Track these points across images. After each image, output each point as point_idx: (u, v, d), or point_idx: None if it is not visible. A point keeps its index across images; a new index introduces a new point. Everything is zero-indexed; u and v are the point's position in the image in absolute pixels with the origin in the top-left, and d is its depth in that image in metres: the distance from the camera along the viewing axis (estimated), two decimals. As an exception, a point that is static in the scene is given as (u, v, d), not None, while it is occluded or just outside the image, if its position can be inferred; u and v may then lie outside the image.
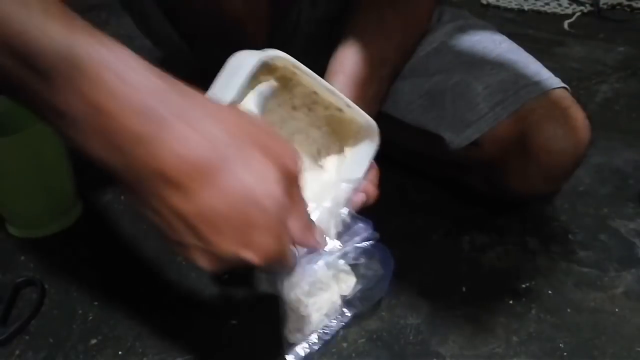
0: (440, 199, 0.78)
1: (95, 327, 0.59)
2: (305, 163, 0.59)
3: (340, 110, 0.57)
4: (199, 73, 0.78)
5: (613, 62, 1.22)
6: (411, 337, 0.58)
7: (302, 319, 0.52)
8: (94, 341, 0.58)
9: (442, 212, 0.76)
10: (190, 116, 0.35)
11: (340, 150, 0.61)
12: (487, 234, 0.72)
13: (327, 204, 0.54)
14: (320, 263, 0.50)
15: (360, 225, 0.54)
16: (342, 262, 0.53)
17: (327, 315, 0.54)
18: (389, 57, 0.67)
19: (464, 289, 0.64)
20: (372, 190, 0.59)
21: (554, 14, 1.50)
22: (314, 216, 0.52)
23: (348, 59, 0.65)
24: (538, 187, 0.69)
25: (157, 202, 0.35)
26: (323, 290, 0.53)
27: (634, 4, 1.51)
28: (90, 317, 0.61)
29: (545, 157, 0.65)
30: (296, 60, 0.51)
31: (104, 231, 0.73)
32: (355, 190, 0.57)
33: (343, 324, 0.56)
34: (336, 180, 0.58)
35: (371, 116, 0.59)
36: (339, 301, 0.55)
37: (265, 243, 0.37)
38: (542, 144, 0.65)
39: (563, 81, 0.69)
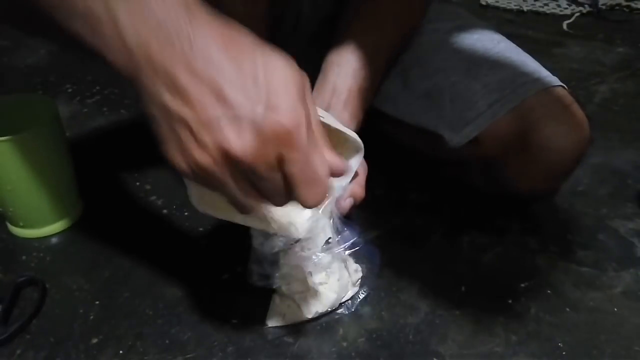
0: (439, 199, 0.79)
1: (96, 327, 0.60)
2: None
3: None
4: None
5: (612, 62, 1.23)
6: (411, 337, 0.58)
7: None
8: (95, 340, 0.58)
9: (442, 212, 0.76)
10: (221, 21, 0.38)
11: None
12: (486, 234, 0.72)
13: (316, 211, 0.55)
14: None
15: (348, 231, 0.57)
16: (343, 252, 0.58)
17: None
18: (382, 49, 0.69)
19: (463, 288, 0.65)
20: (359, 192, 0.61)
21: (553, 14, 1.50)
22: (304, 225, 0.53)
23: (343, 51, 0.67)
24: (538, 186, 0.69)
25: (187, 77, 0.36)
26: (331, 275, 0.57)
27: (632, 5, 1.51)
28: (91, 317, 0.61)
29: (546, 155, 0.65)
30: None
31: (105, 231, 0.73)
32: (342, 195, 0.58)
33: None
34: None
35: (365, 106, 0.61)
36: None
37: (293, 107, 0.37)
38: (542, 142, 0.65)
39: (562, 81, 0.69)
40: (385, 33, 0.69)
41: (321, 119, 0.54)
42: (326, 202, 0.55)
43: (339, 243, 0.57)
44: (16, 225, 0.72)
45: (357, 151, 0.58)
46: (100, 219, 0.75)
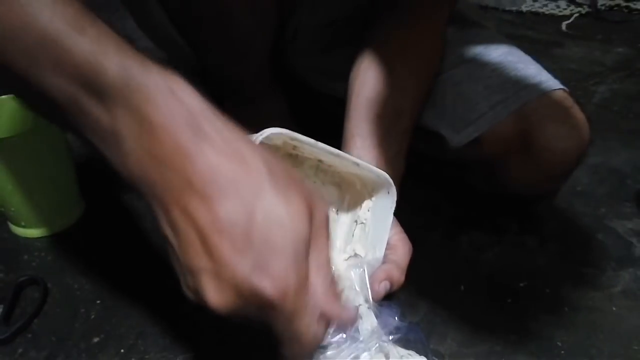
0: (439, 198, 0.79)
1: (97, 326, 0.60)
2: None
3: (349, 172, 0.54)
4: (201, 74, 0.79)
5: (611, 62, 1.23)
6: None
7: None
8: (96, 339, 0.58)
9: (441, 211, 0.77)
10: (232, 138, 0.35)
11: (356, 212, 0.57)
12: (485, 234, 0.73)
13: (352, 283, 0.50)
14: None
15: (387, 313, 0.50)
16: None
17: None
18: (405, 110, 0.64)
19: (462, 287, 0.65)
20: (397, 276, 0.53)
21: (552, 15, 1.51)
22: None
23: (362, 121, 0.62)
24: (538, 186, 0.70)
25: (178, 213, 0.34)
26: None
27: (631, 5, 1.52)
28: (93, 316, 0.61)
29: (547, 156, 0.66)
30: (293, 132, 0.46)
31: (106, 230, 0.73)
32: (377, 268, 0.52)
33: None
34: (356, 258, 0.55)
35: (397, 175, 0.55)
36: None
37: (284, 272, 0.33)
38: (544, 143, 0.65)
39: (561, 82, 0.69)
40: (407, 94, 0.64)
41: (356, 165, 0.51)
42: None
43: (376, 332, 0.49)
44: (18, 225, 0.73)
45: (385, 192, 0.54)
46: (101, 219, 0.75)
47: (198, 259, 0.34)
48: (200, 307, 0.35)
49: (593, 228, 0.74)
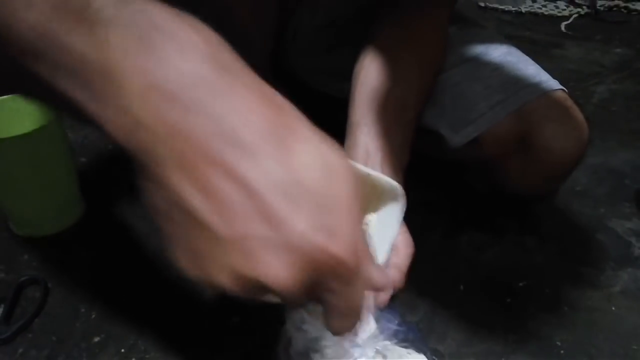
0: (438, 198, 0.79)
1: (97, 325, 0.60)
2: None
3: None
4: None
5: (610, 63, 1.23)
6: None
7: None
8: (96, 339, 0.58)
9: (441, 211, 0.77)
10: (255, 77, 0.29)
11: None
12: (485, 233, 0.73)
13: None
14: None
15: (386, 318, 0.50)
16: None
17: None
18: (410, 101, 0.64)
19: (461, 287, 0.65)
20: (399, 279, 0.53)
21: (551, 15, 1.51)
22: None
23: (368, 110, 0.61)
24: (538, 186, 0.70)
25: (212, 170, 0.26)
26: None
27: (630, 6, 1.52)
28: (93, 316, 0.61)
29: (547, 156, 0.66)
30: None
31: (107, 230, 0.73)
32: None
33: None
34: None
35: (402, 166, 0.55)
36: None
37: (352, 230, 0.28)
38: (543, 143, 0.65)
39: (560, 82, 0.69)
40: (411, 84, 0.64)
41: (363, 170, 0.49)
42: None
43: (377, 335, 0.49)
44: (18, 225, 0.73)
45: (394, 199, 0.52)
46: (101, 218, 0.75)
47: (251, 226, 0.26)
48: (227, 295, 0.29)
49: (592, 228, 0.74)
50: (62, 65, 0.28)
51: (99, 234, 0.73)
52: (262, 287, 0.28)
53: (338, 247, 0.27)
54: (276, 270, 0.27)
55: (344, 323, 0.32)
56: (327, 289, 0.30)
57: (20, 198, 0.69)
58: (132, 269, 0.67)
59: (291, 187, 0.27)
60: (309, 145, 0.28)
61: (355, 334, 0.47)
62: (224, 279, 0.28)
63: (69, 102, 0.28)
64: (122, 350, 0.57)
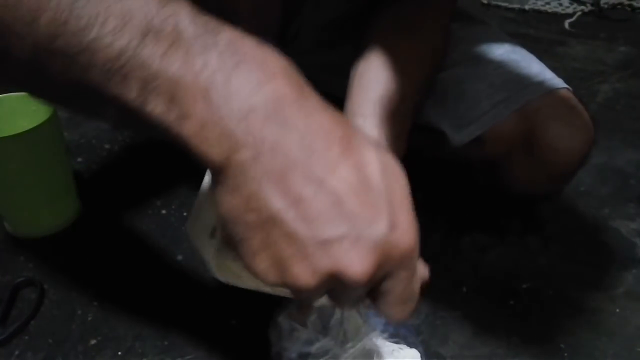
0: (440, 198, 0.78)
1: (94, 328, 0.59)
2: None
3: None
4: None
5: (614, 61, 1.22)
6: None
7: None
8: (93, 341, 0.58)
9: (443, 211, 0.76)
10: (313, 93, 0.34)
11: None
12: (488, 234, 0.72)
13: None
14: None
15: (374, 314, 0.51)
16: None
17: None
18: (408, 93, 0.63)
19: (464, 289, 0.64)
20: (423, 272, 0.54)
21: (555, 13, 1.50)
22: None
23: (366, 100, 0.61)
24: (542, 186, 0.69)
25: (299, 179, 0.30)
26: None
27: (634, 4, 1.51)
28: (90, 318, 0.61)
29: (551, 155, 0.65)
30: None
31: (103, 232, 0.73)
32: None
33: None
34: None
35: (399, 154, 0.55)
36: None
37: (412, 224, 0.32)
38: (548, 143, 0.65)
39: (564, 81, 0.69)
40: (410, 78, 0.63)
41: None
42: None
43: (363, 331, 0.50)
44: (14, 226, 0.72)
45: None
46: (98, 220, 0.75)
47: (336, 228, 0.30)
48: (301, 295, 0.32)
49: (596, 228, 0.74)
50: (152, 88, 0.30)
51: (96, 234, 0.72)
52: (340, 282, 0.31)
53: (408, 240, 0.32)
54: (358, 265, 0.30)
55: (406, 308, 0.36)
56: (393, 277, 0.33)
57: (16, 198, 0.69)
58: (129, 270, 0.66)
59: (364, 188, 0.31)
60: (370, 152, 0.32)
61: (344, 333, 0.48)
62: (307, 279, 0.31)
63: (151, 122, 0.30)
64: (119, 353, 0.57)
